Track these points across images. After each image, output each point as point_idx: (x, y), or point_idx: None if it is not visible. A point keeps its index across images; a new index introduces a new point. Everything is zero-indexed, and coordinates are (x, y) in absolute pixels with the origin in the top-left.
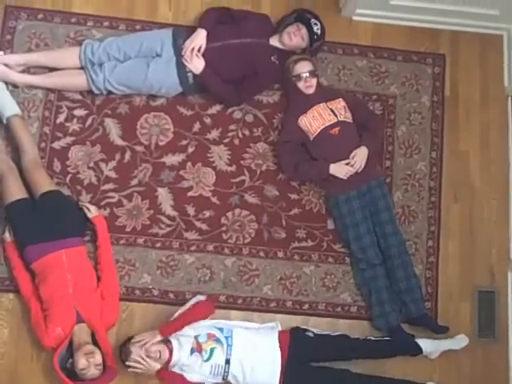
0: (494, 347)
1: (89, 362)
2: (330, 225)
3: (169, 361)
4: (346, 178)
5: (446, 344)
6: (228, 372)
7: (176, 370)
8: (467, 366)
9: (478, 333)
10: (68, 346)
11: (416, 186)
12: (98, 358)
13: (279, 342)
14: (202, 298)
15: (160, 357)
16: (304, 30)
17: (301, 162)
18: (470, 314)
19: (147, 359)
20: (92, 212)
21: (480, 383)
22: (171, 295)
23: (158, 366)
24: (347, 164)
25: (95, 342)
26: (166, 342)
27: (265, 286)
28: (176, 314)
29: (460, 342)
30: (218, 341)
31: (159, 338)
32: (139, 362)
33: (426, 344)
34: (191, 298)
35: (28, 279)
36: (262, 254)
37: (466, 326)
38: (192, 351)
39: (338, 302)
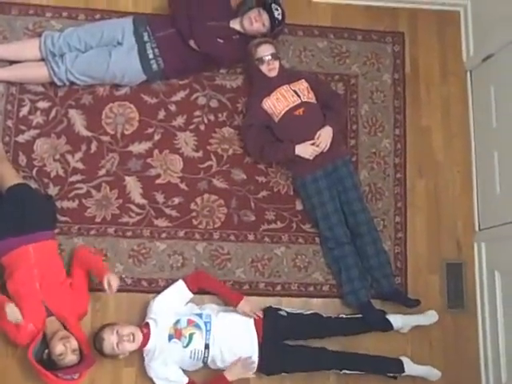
0: (463, 317)
1: (65, 347)
2: (299, 206)
3: (143, 345)
4: (311, 158)
5: (416, 319)
6: (208, 356)
7: (154, 355)
8: (439, 338)
9: (448, 304)
10: (42, 339)
11: (381, 164)
12: (73, 342)
13: (254, 322)
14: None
15: (133, 339)
16: (265, 16)
17: (266, 145)
18: (439, 286)
19: (120, 345)
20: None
21: (452, 353)
22: (144, 283)
23: (133, 347)
24: (312, 144)
25: None
26: (143, 325)
27: (237, 270)
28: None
29: (430, 317)
30: (197, 326)
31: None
32: (114, 351)
33: (397, 319)
34: (165, 285)
35: None
36: (232, 237)
37: (435, 298)
38: (170, 338)
39: (309, 281)
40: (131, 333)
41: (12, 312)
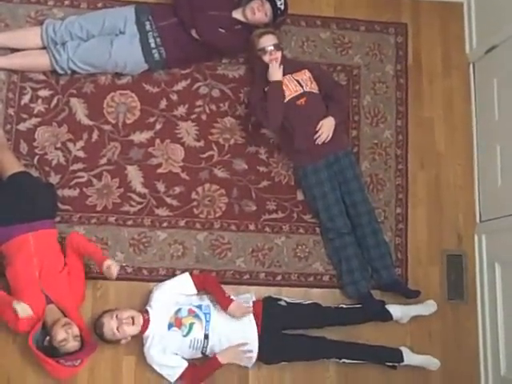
0: (463, 309)
1: (67, 334)
2: (300, 196)
3: (143, 331)
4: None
5: (415, 309)
6: (207, 347)
7: (152, 342)
8: (438, 329)
9: (448, 295)
10: (42, 327)
11: (383, 155)
12: (75, 329)
13: (254, 312)
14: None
15: (133, 323)
16: (267, 6)
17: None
18: (440, 277)
19: (120, 328)
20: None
21: (451, 345)
22: (145, 272)
23: (134, 331)
24: (315, 134)
25: None
26: (143, 311)
27: (237, 259)
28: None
29: (429, 307)
30: (196, 317)
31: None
32: (114, 335)
33: (396, 310)
34: (165, 274)
35: None
36: (233, 227)
37: (435, 289)
38: (170, 326)
39: (310, 271)
40: (130, 316)
41: (22, 309)
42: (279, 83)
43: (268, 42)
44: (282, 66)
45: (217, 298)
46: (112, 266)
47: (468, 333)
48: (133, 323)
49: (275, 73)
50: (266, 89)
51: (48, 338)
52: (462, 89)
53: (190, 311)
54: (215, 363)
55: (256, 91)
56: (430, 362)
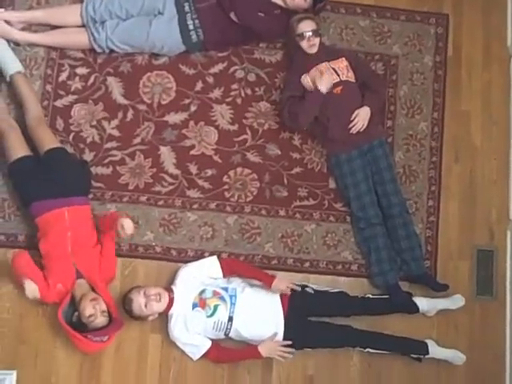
0: (491, 305)
1: (95, 309)
2: (332, 184)
3: (167, 309)
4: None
5: (442, 303)
6: (230, 329)
7: (177, 320)
8: (465, 324)
9: (477, 291)
10: (70, 302)
11: (417, 146)
12: (102, 304)
13: (280, 297)
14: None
15: (160, 299)
16: None
17: (297, 106)
18: (469, 272)
19: (148, 305)
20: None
21: (478, 341)
22: (174, 252)
23: (160, 308)
24: (350, 122)
25: None
26: (168, 289)
27: (266, 244)
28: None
29: (456, 301)
30: (222, 299)
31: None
32: (142, 311)
33: (423, 302)
34: (194, 256)
35: None
36: (263, 212)
37: (464, 284)
38: (194, 306)
39: (338, 260)
40: (158, 293)
41: (30, 290)
42: (322, 94)
43: (307, 27)
44: (332, 76)
45: (258, 279)
46: (125, 224)
47: (495, 330)
48: (160, 300)
49: (325, 82)
50: (302, 77)
51: (76, 313)
52: (501, 82)
53: (215, 293)
54: (255, 353)
55: (290, 87)
56: (456, 356)
